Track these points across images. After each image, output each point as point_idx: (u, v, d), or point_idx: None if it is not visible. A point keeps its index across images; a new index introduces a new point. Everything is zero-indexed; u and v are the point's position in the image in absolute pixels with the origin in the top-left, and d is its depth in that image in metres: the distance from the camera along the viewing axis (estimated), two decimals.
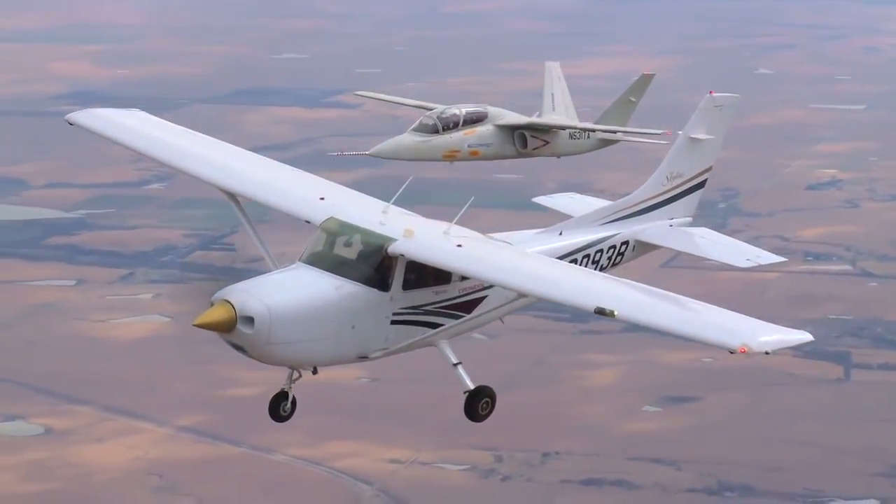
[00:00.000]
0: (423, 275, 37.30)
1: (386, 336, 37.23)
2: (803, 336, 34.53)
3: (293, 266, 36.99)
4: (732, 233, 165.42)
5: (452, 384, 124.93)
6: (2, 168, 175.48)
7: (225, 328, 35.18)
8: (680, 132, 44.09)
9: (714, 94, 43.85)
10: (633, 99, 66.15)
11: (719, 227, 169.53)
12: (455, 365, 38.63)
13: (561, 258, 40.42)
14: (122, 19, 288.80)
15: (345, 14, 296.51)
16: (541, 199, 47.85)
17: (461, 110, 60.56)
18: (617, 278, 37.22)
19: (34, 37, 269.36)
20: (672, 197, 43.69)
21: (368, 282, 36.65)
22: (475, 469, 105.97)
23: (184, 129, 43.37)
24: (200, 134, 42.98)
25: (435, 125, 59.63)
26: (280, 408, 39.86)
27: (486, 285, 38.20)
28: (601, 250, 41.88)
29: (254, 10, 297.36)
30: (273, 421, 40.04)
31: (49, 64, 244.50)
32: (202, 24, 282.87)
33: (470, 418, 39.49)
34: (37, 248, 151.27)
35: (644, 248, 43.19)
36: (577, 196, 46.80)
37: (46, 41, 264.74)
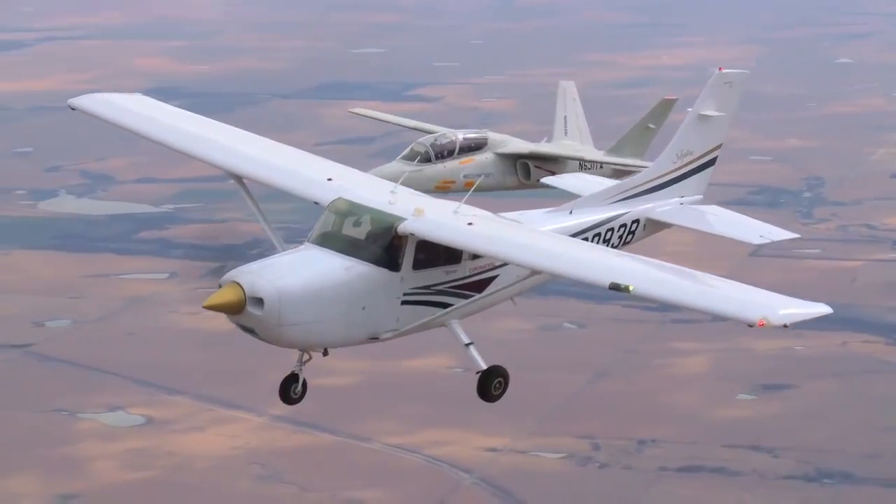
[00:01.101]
0: (434, 254, 36.58)
1: (397, 317, 36.50)
2: (822, 308, 33.79)
3: (302, 247, 36.35)
4: (819, 222, 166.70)
5: (546, 373, 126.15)
6: (92, 164, 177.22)
7: (234, 310, 34.63)
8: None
9: (724, 71, 42.99)
10: (651, 126, 59.91)
11: (805, 217, 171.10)
12: (467, 345, 37.51)
13: (572, 237, 39.66)
14: (200, 15, 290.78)
15: (420, 8, 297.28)
16: (549, 180, 47.30)
17: (458, 136, 55.63)
18: (628, 254, 36.73)
19: (116, 33, 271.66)
20: (682, 175, 42.74)
21: (378, 262, 35.98)
22: (573, 457, 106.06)
23: (187, 112, 42.62)
24: (204, 117, 42.17)
25: (427, 153, 54.47)
26: (291, 390, 38.68)
27: (497, 264, 37.48)
28: (612, 229, 41.14)
29: (331, 4, 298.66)
30: (283, 403, 39.04)
31: (132, 60, 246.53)
32: (279, 20, 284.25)
33: (482, 398, 38.90)
34: (128, 243, 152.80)
35: (655, 226, 42.35)
36: (586, 176, 46.65)
37: (128, 37, 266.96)
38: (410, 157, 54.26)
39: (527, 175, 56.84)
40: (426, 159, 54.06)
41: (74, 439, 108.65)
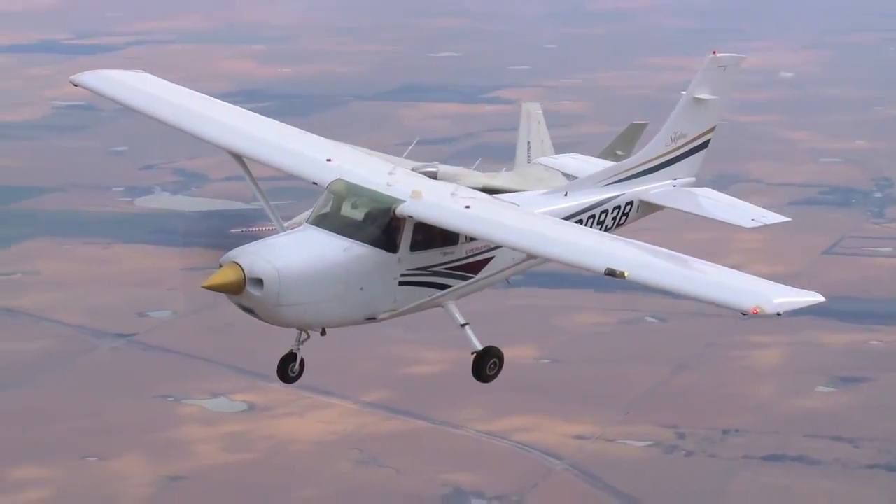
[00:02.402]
0: (431, 236, 35.92)
1: (394, 297, 35.88)
2: (815, 297, 33.36)
3: (301, 228, 35.67)
4: (891, 221, 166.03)
5: (628, 365, 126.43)
6: (185, 162, 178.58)
7: (234, 290, 34.02)
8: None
9: (717, 55, 41.87)
10: (620, 152, 54.90)
11: (877, 217, 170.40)
12: (462, 326, 36.44)
13: (567, 219, 38.92)
14: (280, 20, 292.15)
15: (492, 13, 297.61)
16: (544, 160, 46.28)
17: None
18: (625, 239, 35.72)
19: (199, 37, 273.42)
20: (676, 157, 41.81)
21: (376, 243, 35.33)
22: (659, 445, 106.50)
23: (190, 90, 41.36)
24: (207, 96, 41.09)
25: None
26: (289, 369, 37.93)
27: (493, 246, 36.77)
28: (606, 210, 40.49)
29: (405, 10, 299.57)
30: (282, 382, 38.51)
31: (215, 63, 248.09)
32: (356, 25, 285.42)
33: (477, 378, 37.66)
34: (221, 238, 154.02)
35: (648, 208, 41.63)
36: (581, 156, 45.17)
37: (211, 41, 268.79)
38: None
39: None
40: None
41: (178, 424, 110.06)
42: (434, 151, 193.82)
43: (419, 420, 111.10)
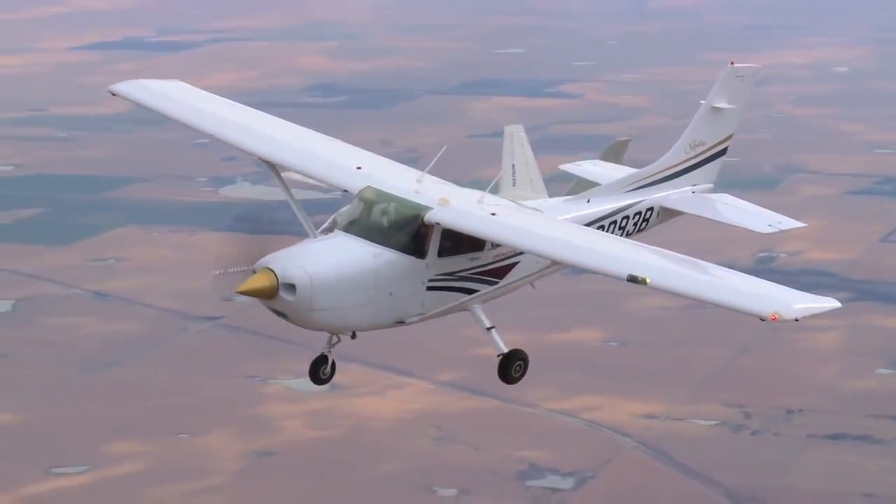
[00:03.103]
0: (458, 242, 35.39)
1: (422, 302, 35.32)
2: (832, 303, 33.00)
3: (332, 234, 35.25)
4: None
5: (693, 348, 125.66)
6: None
7: (267, 295, 33.62)
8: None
9: (735, 65, 41.19)
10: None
11: None
12: (489, 329, 36.27)
13: (589, 224, 38.55)
14: (353, 17, 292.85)
15: (555, 11, 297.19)
16: (567, 167, 44.85)
17: None
18: (646, 245, 35.20)
19: (277, 34, 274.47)
20: (694, 164, 41.33)
21: (405, 249, 34.78)
22: (726, 424, 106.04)
23: (224, 99, 40.74)
24: (239, 104, 40.39)
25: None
26: (320, 371, 37.68)
27: (518, 252, 36.13)
28: (627, 217, 40.02)
29: (472, 9, 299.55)
30: (314, 384, 38.23)
31: (292, 60, 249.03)
32: (425, 22, 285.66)
33: (503, 380, 37.24)
34: (300, 226, 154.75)
35: (668, 214, 41.08)
36: (602, 163, 44.09)
37: (288, 38, 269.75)
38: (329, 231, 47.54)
39: None
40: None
41: (264, 402, 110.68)
42: (499, 144, 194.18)
43: (493, 399, 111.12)
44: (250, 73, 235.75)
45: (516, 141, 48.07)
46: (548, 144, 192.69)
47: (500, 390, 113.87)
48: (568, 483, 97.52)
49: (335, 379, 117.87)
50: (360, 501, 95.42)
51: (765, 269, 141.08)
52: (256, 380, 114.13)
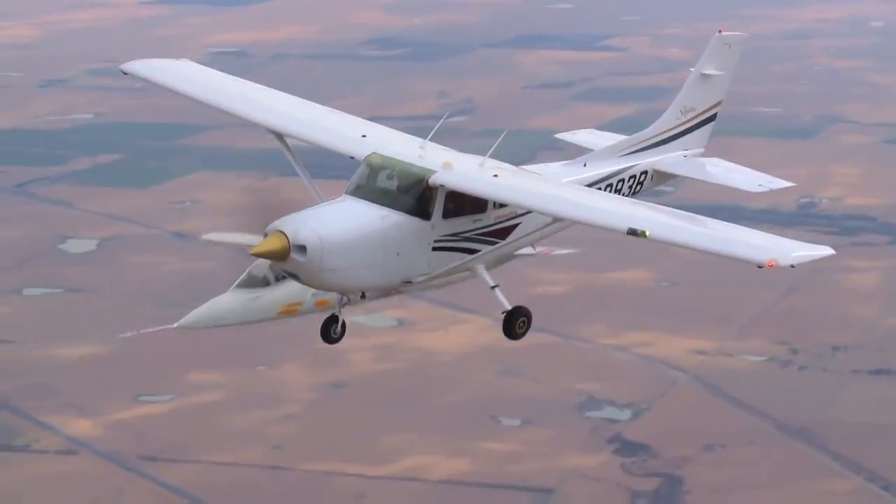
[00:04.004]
0: (462, 204, 34.82)
1: (428, 262, 34.73)
2: (825, 250, 32.46)
3: (340, 198, 34.64)
4: None
5: (741, 289, 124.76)
6: (329, 102, 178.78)
7: (279, 256, 33.05)
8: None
9: (723, 33, 40.75)
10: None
11: None
12: (492, 288, 35.63)
13: (587, 187, 37.80)
14: None
15: None
16: (563, 136, 44.15)
17: None
18: (644, 202, 34.91)
19: None
20: (686, 129, 40.76)
21: (411, 211, 34.25)
22: (774, 360, 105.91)
23: (231, 76, 40.35)
24: (246, 81, 40.08)
25: (265, 277, 43.13)
26: (331, 330, 37.60)
27: (519, 213, 35.63)
28: (622, 179, 39.64)
29: None
30: (325, 342, 37.74)
31: (350, 15, 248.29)
32: None
33: (508, 336, 36.59)
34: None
35: (661, 177, 40.68)
36: (597, 132, 43.65)
37: None
38: (248, 284, 43.41)
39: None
40: (265, 283, 43.31)
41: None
42: (553, 94, 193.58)
43: (550, 335, 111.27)
44: (313, 27, 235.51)
45: None
46: (596, 95, 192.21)
47: (557, 326, 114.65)
48: (625, 414, 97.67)
49: (401, 314, 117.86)
50: (427, 430, 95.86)
51: (807, 213, 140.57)
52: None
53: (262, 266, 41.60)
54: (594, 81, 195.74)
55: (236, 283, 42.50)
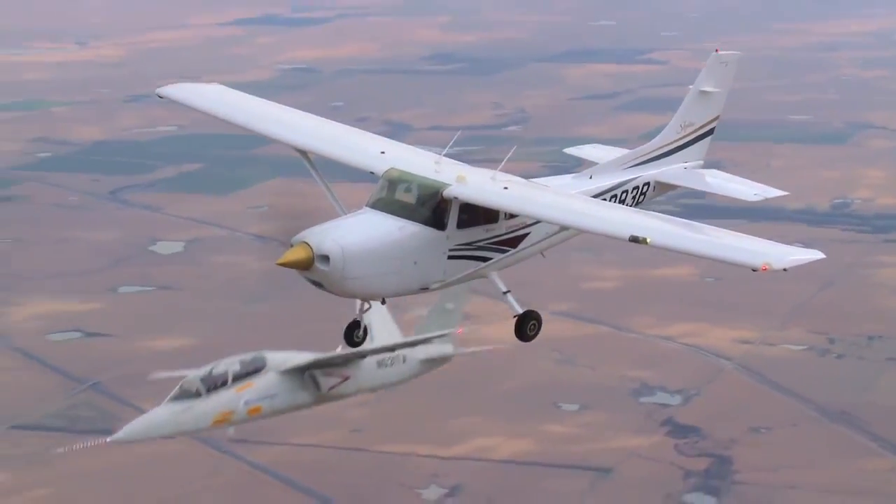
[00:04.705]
0: (475, 215, 34.54)
1: (444, 269, 34.48)
2: (816, 254, 32.29)
3: (361, 211, 34.50)
4: None
5: (780, 283, 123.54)
6: (392, 114, 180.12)
7: (304, 266, 32.92)
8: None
9: (720, 52, 40.78)
10: (449, 306, 45.16)
11: None
12: (504, 293, 35.46)
13: (592, 198, 37.36)
14: None
15: None
16: (570, 150, 43.82)
17: (230, 367, 43.49)
18: (645, 211, 34.57)
19: (396, 10, 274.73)
20: (685, 143, 40.46)
21: (427, 222, 34.03)
22: (813, 349, 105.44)
23: (257, 98, 39.85)
24: (272, 102, 39.58)
25: (197, 390, 42.73)
26: (353, 335, 37.35)
27: (529, 223, 35.28)
28: (626, 191, 39.23)
29: None
30: (348, 346, 37.36)
31: (408, 33, 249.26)
32: None
33: (519, 338, 36.17)
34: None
35: (663, 187, 40.28)
36: (602, 146, 43.20)
37: (405, 14, 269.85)
38: (180, 397, 42.52)
39: (317, 386, 44.31)
40: (196, 395, 42.63)
41: (406, 330, 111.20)
42: (598, 105, 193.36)
43: (602, 326, 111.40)
44: (374, 45, 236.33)
45: (375, 317, 47.64)
46: (638, 105, 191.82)
47: (608, 318, 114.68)
48: (676, 400, 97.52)
49: (466, 309, 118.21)
50: (492, 414, 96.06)
51: (841, 213, 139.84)
52: (398, 308, 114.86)
53: (192, 381, 42.21)
54: (637, 93, 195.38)
55: (169, 396, 42.14)
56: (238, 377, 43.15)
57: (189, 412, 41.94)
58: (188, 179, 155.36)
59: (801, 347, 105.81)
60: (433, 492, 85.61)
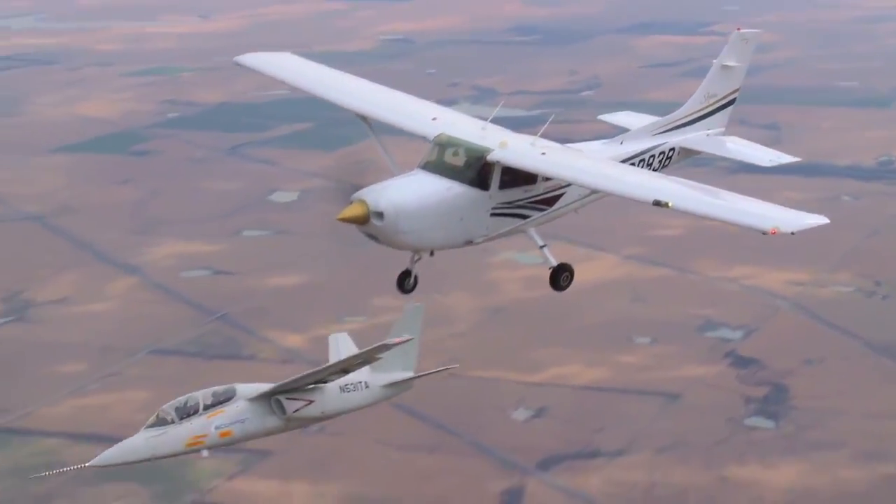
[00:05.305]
0: (515, 177, 34.77)
1: (487, 226, 34.75)
2: (821, 220, 32.59)
3: (413, 172, 34.98)
4: None
5: (830, 232, 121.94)
6: (480, 80, 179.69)
7: (361, 221, 33.48)
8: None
9: (741, 31, 41.49)
10: (410, 336, 45.63)
11: None
12: (541, 247, 35.83)
13: (622, 162, 37.69)
14: None
15: None
16: (605, 117, 43.85)
17: (202, 399, 42.07)
18: (668, 177, 34.30)
19: None
20: (709, 112, 40.75)
21: (472, 183, 34.31)
22: (861, 290, 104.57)
23: (324, 66, 40.06)
24: (338, 71, 39.82)
25: (172, 418, 41.39)
26: (405, 283, 37.78)
27: (564, 184, 35.48)
28: (653, 155, 39.23)
29: None
30: (400, 293, 37.62)
31: (494, 8, 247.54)
32: None
33: (554, 288, 36.63)
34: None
35: (686, 153, 40.08)
36: (634, 113, 43.29)
37: None
38: (155, 424, 41.27)
39: (283, 410, 42.72)
40: (170, 422, 41.39)
41: (492, 270, 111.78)
42: (664, 72, 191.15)
43: (668, 268, 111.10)
44: (464, 18, 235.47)
45: (342, 346, 47.06)
46: (701, 72, 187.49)
47: (674, 261, 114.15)
48: (737, 335, 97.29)
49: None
50: (571, 345, 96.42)
51: (886, 170, 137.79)
52: (487, 253, 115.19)
53: (167, 410, 41.65)
54: (700, 61, 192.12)
55: (146, 424, 41.39)
56: (209, 406, 42.26)
57: (163, 437, 41.37)
58: (300, 137, 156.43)
59: (849, 289, 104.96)
60: (521, 413, 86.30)
